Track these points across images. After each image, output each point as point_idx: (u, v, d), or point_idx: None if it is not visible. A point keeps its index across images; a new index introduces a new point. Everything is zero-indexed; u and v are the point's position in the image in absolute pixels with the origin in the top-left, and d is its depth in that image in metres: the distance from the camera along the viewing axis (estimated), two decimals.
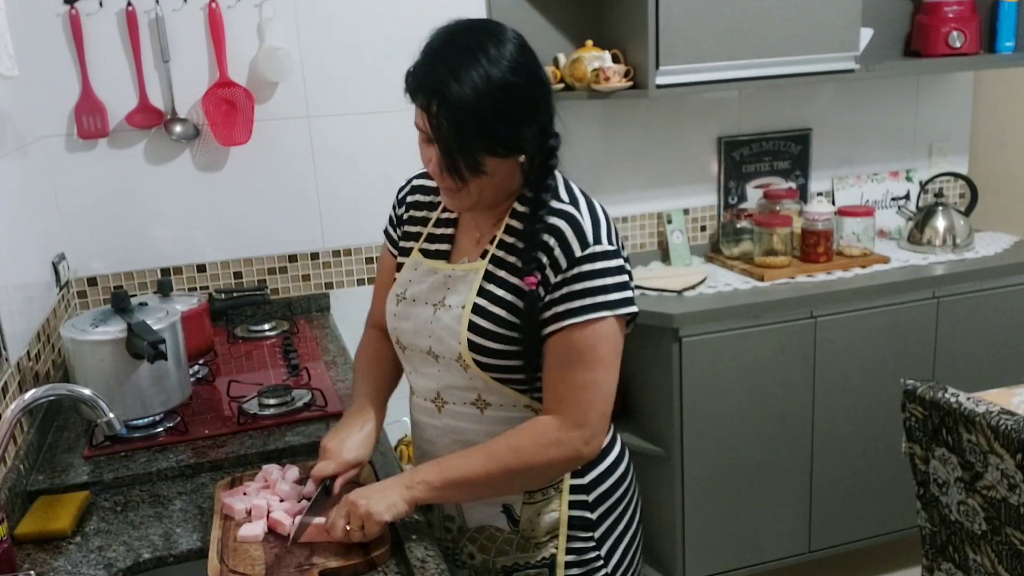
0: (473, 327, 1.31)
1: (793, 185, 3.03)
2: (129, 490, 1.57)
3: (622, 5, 2.56)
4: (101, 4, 2.26)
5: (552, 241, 1.29)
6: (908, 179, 3.19)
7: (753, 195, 3.01)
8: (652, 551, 2.69)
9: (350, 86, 2.50)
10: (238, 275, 2.51)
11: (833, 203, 2.99)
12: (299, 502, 1.37)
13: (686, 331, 2.43)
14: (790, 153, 3.03)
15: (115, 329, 1.67)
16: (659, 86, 2.47)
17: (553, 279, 1.28)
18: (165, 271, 2.44)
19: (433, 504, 1.47)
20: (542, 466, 1.30)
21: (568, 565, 1.41)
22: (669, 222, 2.92)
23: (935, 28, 2.85)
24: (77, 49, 2.25)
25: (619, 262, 1.30)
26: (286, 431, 1.73)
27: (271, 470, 1.46)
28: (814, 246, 2.74)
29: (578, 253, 1.27)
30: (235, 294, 2.46)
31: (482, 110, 1.21)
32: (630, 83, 2.52)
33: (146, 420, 1.75)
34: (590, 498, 1.41)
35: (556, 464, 1.31)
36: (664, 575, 2.67)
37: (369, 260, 2.60)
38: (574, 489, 1.40)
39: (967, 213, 2.96)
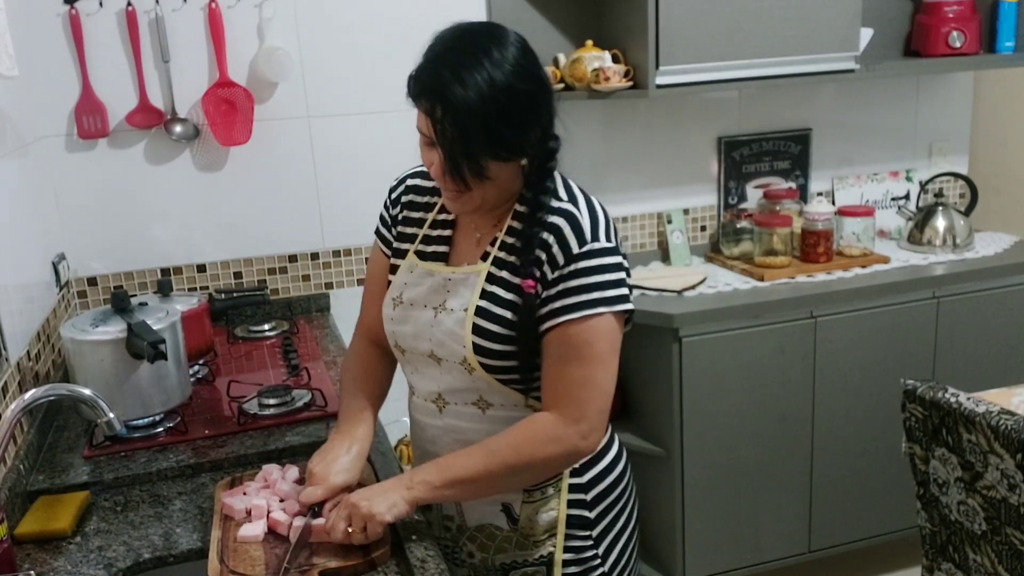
0: (477, 330, 1.31)
1: (793, 185, 3.03)
2: (129, 490, 1.57)
3: (622, 5, 2.56)
4: (101, 4, 2.26)
5: (551, 239, 1.29)
6: (908, 179, 3.19)
7: (753, 195, 3.01)
8: (652, 551, 2.69)
9: (350, 86, 2.50)
10: (238, 275, 2.51)
11: (833, 203, 2.99)
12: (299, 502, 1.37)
13: (686, 331, 2.43)
14: (790, 153, 3.03)
15: (115, 329, 1.67)
16: (659, 86, 2.47)
17: (551, 275, 1.28)
18: (165, 271, 2.44)
19: (432, 504, 1.47)
20: (541, 462, 1.30)
21: (566, 563, 1.41)
22: (669, 222, 2.92)
23: (935, 28, 2.85)
24: (77, 49, 2.25)
25: (617, 259, 1.30)
26: (286, 431, 1.73)
27: (271, 470, 1.46)
28: (814, 246, 2.74)
29: (576, 250, 1.27)
30: (235, 294, 2.45)
31: (486, 114, 1.20)
32: (630, 83, 2.52)
33: (146, 420, 1.75)
34: (588, 497, 1.41)
35: (555, 460, 1.31)
36: (664, 575, 2.67)
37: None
38: (573, 488, 1.40)
39: (967, 213, 2.96)
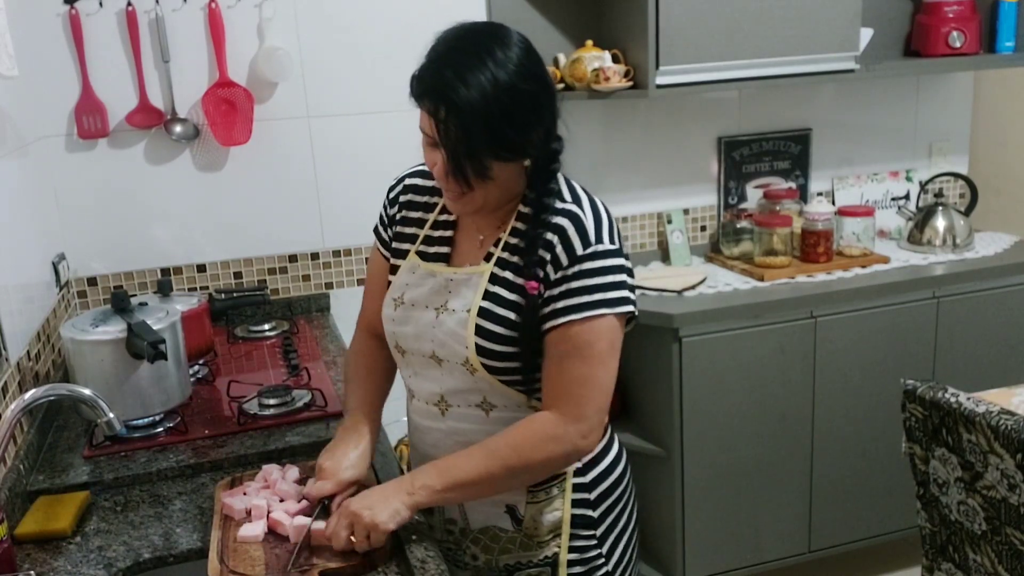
0: (480, 331, 1.30)
1: (793, 185, 3.03)
2: (129, 490, 1.57)
3: (622, 5, 2.56)
4: (101, 4, 2.26)
5: (555, 239, 1.29)
6: (908, 179, 3.19)
7: (753, 195, 3.01)
8: (652, 551, 2.69)
9: (350, 86, 2.50)
10: (238, 275, 2.51)
11: (833, 203, 2.99)
12: (299, 502, 1.37)
13: (686, 331, 2.43)
14: (790, 153, 3.03)
15: (115, 329, 1.67)
16: (659, 86, 2.47)
17: (554, 275, 1.28)
18: (165, 271, 2.44)
19: (434, 507, 1.47)
20: (541, 462, 1.29)
21: (570, 563, 1.41)
22: (669, 222, 2.92)
23: (935, 28, 2.85)
24: (77, 49, 2.25)
25: (620, 261, 1.30)
26: (286, 431, 1.73)
27: (271, 470, 1.46)
28: (814, 246, 2.74)
29: (580, 251, 1.28)
30: (235, 294, 2.45)
31: (489, 114, 1.20)
32: (630, 83, 2.52)
33: (146, 420, 1.75)
34: (592, 496, 1.41)
35: (555, 459, 1.31)
36: (664, 575, 2.67)
37: (369, 260, 2.60)
38: (577, 488, 1.40)
39: (967, 213, 2.96)
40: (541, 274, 1.28)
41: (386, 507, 1.24)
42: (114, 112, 2.32)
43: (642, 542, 1.59)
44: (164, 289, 2.10)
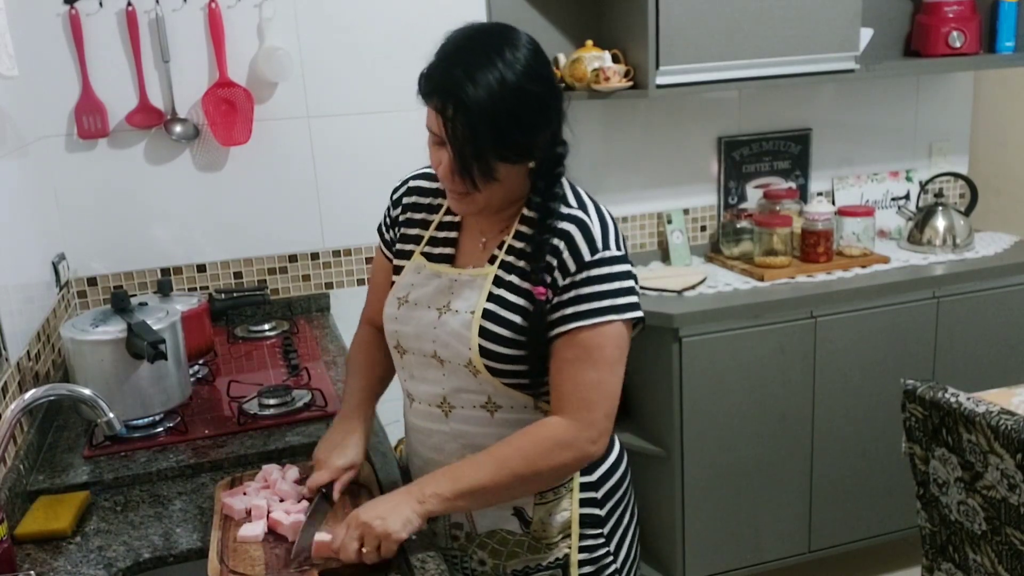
0: (484, 332, 1.30)
1: (793, 185, 3.03)
2: (129, 490, 1.57)
3: (622, 5, 2.56)
4: (101, 4, 2.26)
5: (561, 244, 1.29)
6: (908, 179, 3.19)
7: (753, 195, 3.01)
8: (652, 551, 2.69)
9: (350, 86, 2.50)
10: (238, 275, 2.51)
11: (833, 203, 2.99)
12: (299, 502, 1.37)
13: (686, 331, 2.43)
14: (790, 153, 3.03)
15: (115, 329, 1.67)
16: (659, 86, 2.47)
17: (562, 282, 1.28)
18: (165, 271, 2.44)
19: (439, 515, 1.46)
20: (552, 468, 1.29)
21: (581, 564, 1.41)
22: (669, 222, 2.92)
23: (935, 28, 2.85)
24: (77, 49, 2.25)
25: (627, 267, 1.31)
26: (286, 431, 1.73)
27: (271, 470, 1.46)
28: (814, 246, 2.74)
29: (588, 257, 1.28)
30: (235, 294, 2.45)
31: (497, 114, 1.21)
32: (630, 83, 2.52)
33: (146, 420, 1.75)
34: (599, 495, 1.42)
35: (565, 466, 1.30)
36: (664, 575, 2.67)
37: (369, 260, 2.60)
38: (584, 487, 1.40)
39: (967, 213, 2.96)
40: (548, 279, 1.29)
41: (397, 516, 1.22)
42: (114, 112, 2.32)
43: (642, 542, 1.59)
44: (164, 289, 2.10)
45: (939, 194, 2.99)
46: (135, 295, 2.13)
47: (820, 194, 3.06)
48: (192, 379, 1.96)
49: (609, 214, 1.36)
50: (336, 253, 2.58)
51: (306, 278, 2.57)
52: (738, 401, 2.52)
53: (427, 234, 1.43)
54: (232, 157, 2.45)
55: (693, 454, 2.52)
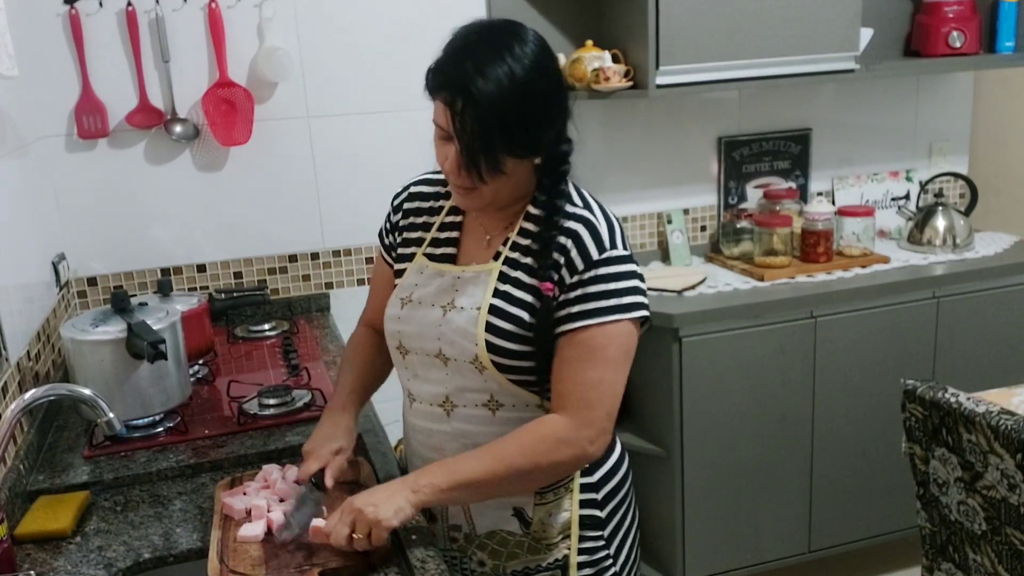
0: (491, 328, 1.30)
1: (793, 185, 3.03)
2: (129, 490, 1.57)
3: (622, 5, 2.56)
4: (101, 4, 2.26)
5: (569, 243, 1.30)
6: (908, 179, 3.19)
7: (753, 195, 3.01)
8: (652, 551, 2.69)
9: (350, 86, 2.50)
10: (238, 275, 2.51)
11: (833, 203, 2.99)
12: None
13: (686, 331, 2.43)
14: (790, 153, 3.03)
15: (115, 329, 1.67)
16: (659, 86, 2.47)
17: (568, 280, 1.29)
18: (165, 271, 2.44)
19: (437, 515, 1.47)
20: (549, 466, 1.29)
21: (580, 566, 1.41)
22: (669, 222, 2.92)
23: (935, 28, 2.85)
24: (77, 49, 2.25)
25: (633, 267, 1.32)
26: (286, 431, 1.73)
27: (271, 470, 1.46)
28: (814, 246, 2.74)
29: (595, 256, 1.29)
30: (235, 294, 2.45)
31: (506, 108, 1.21)
32: (630, 83, 2.52)
33: (146, 420, 1.75)
34: (599, 496, 1.42)
35: (563, 463, 1.30)
36: (664, 575, 2.67)
37: (369, 260, 2.60)
38: (584, 488, 1.40)
39: (967, 213, 2.96)
40: (556, 277, 1.29)
41: (390, 504, 1.23)
42: (114, 112, 2.32)
43: (642, 542, 1.58)
44: (164, 289, 2.10)
45: (939, 194, 2.99)
46: (135, 295, 2.13)
47: (820, 194, 3.06)
48: (192, 379, 1.96)
49: (614, 216, 1.37)
50: (336, 253, 2.58)
51: (306, 278, 2.57)
52: (738, 401, 2.52)
53: (429, 235, 1.44)
54: (232, 157, 2.45)
55: (693, 454, 2.52)
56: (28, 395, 1.32)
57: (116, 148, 2.35)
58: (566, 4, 2.68)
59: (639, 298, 1.31)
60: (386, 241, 1.51)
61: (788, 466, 2.63)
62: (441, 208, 1.45)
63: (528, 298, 1.31)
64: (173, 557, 1.36)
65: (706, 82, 2.52)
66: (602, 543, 1.42)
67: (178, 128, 2.36)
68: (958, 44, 2.83)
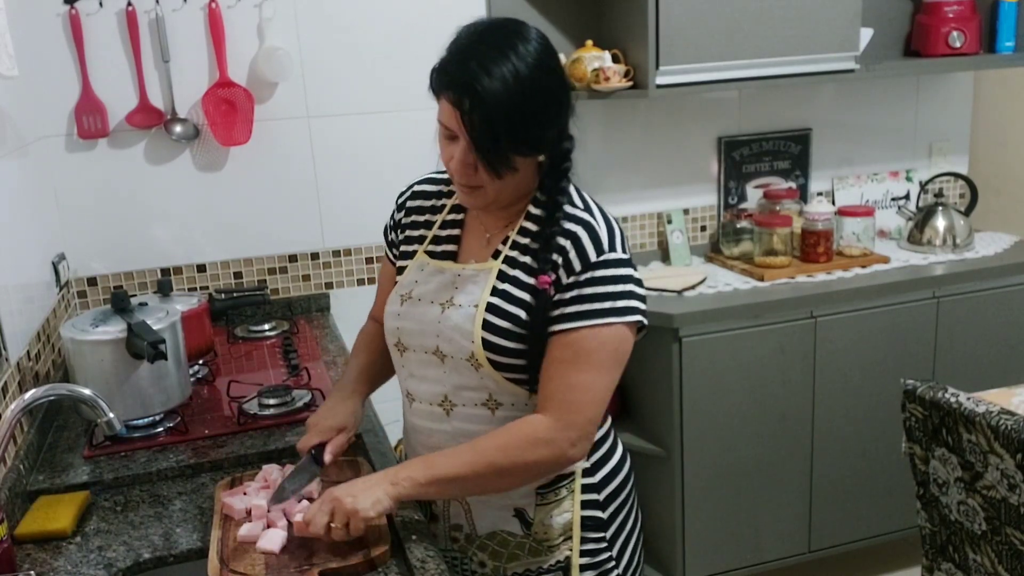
0: (488, 326, 1.31)
1: (793, 185, 3.03)
2: (129, 490, 1.57)
3: (622, 5, 2.56)
4: (101, 4, 2.26)
5: (567, 244, 1.30)
6: (908, 179, 3.19)
7: (753, 195, 3.01)
8: (652, 551, 2.69)
9: (350, 86, 2.50)
10: (238, 275, 2.51)
11: (833, 203, 2.99)
12: (299, 503, 1.37)
13: (686, 331, 2.43)
14: (790, 153, 3.03)
15: (115, 329, 1.67)
16: (659, 86, 2.47)
17: (565, 280, 1.29)
18: (165, 271, 2.44)
19: (439, 515, 1.47)
20: (528, 464, 1.29)
21: (582, 568, 1.41)
22: (669, 222, 2.92)
23: (935, 28, 2.85)
24: (77, 49, 2.25)
25: (630, 272, 1.31)
26: (286, 431, 1.73)
27: (271, 470, 1.46)
28: (814, 246, 2.74)
29: (593, 258, 1.29)
30: (235, 294, 2.45)
31: (512, 106, 1.22)
32: (630, 83, 2.52)
33: (146, 420, 1.75)
34: (601, 497, 1.41)
35: (543, 463, 1.30)
36: (664, 575, 2.67)
37: (369, 260, 2.60)
38: (586, 488, 1.40)
39: (967, 213, 2.96)
40: (553, 277, 1.29)
41: (369, 495, 1.24)
42: (114, 112, 2.32)
43: (643, 543, 1.58)
44: (164, 289, 2.10)
45: (939, 194, 2.99)
46: (135, 295, 2.13)
47: (820, 194, 3.06)
48: (192, 379, 1.96)
49: (614, 219, 1.37)
50: (336, 253, 2.58)
51: (306, 278, 2.57)
52: (738, 401, 2.52)
53: (431, 233, 1.45)
54: (232, 157, 2.45)
55: (693, 454, 2.52)
56: (28, 395, 1.32)
57: (116, 148, 2.35)
58: (566, 4, 2.68)
59: (635, 303, 1.30)
60: (389, 238, 1.53)
61: (788, 466, 2.63)
62: (443, 206, 1.45)
63: (526, 297, 1.31)
64: (173, 557, 1.36)
65: (706, 82, 2.52)
66: (604, 545, 1.42)
67: (178, 128, 2.36)
68: (958, 44, 2.83)
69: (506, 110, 1.22)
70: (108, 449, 1.68)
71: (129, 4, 2.26)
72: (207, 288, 2.48)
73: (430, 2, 2.48)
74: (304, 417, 1.77)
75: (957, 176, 3.07)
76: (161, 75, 2.34)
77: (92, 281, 2.40)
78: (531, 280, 1.31)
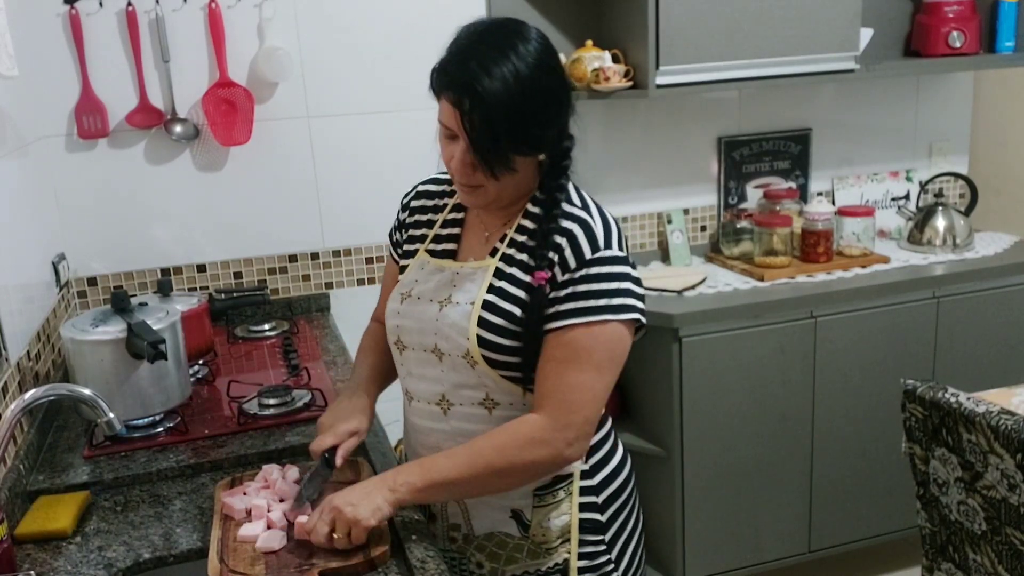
0: (483, 323, 1.31)
1: (793, 185, 3.03)
2: (129, 490, 1.57)
3: (622, 5, 2.56)
4: (101, 4, 2.26)
5: (563, 242, 1.30)
6: (908, 179, 3.19)
7: (753, 195, 3.01)
8: (652, 551, 2.69)
9: (350, 86, 2.50)
10: (238, 275, 2.51)
11: (833, 203, 2.99)
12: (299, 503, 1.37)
13: (686, 331, 2.43)
14: (790, 153, 3.03)
15: (115, 329, 1.67)
16: (659, 86, 2.47)
17: (560, 277, 1.29)
18: (165, 271, 2.44)
19: (437, 514, 1.47)
20: (525, 466, 1.29)
21: (581, 571, 1.40)
22: (669, 222, 2.92)
23: (935, 28, 2.85)
24: (77, 49, 2.25)
25: (627, 269, 1.31)
26: (286, 431, 1.73)
27: (271, 470, 1.46)
28: (814, 246, 2.74)
29: (588, 255, 1.28)
30: (235, 294, 2.46)
31: (512, 106, 1.22)
32: (630, 83, 2.52)
33: (146, 420, 1.75)
34: (600, 499, 1.41)
35: (539, 464, 1.30)
36: (664, 575, 2.67)
37: (369, 260, 2.60)
38: (584, 491, 1.40)
39: (967, 213, 2.96)
40: (549, 274, 1.29)
41: (368, 504, 1.24)
42: (114, 112, 2.32)
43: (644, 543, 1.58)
44: (164, 289, 2.10)
45: (939, 194, 2.99)
46: (135, 295, 2.13)
47: (820, 194, 3.06)
48: (192, 379, 1.96)
49: (612, 218, 1.37)
50: (336, 253, 2.58)
51: (306, 278, 2.57)
52: (738, 401, 2.52)
53: (432, 232, 1.45)
54: (232, 157, 2.45)
55: (693, 454, 2.52)
56: (28, 395, 1.32)
57: (116, 148, 2.35)
58: (566, 4, 2.68)
59: (631, 300, 1.29)
60: (394, 238, 1.53)
61: (788, 466, 2.63)
62: (445, 206, 1.46)
63: (522, 294, 1.31)
64: (173, 557, 1.36)
65: (706, 82, 2.52)
66: (603, 548, 1.42)
67: (178, 128, 2.36)
68: (958, 44, 2.83)
69: (506, 110, 1.22)
70: (108, 449, 1.68)
71: (129, 4, 2.26)
72: (207, 288, 2.48)
73: (430, 2, 2.48)
74: (304, 417, 1.77)
75: (957, 176, 3.07)
76: (161, 75, 2.34)
77: (92, 281, 2.40)
78: (527, 277, 1.31)
